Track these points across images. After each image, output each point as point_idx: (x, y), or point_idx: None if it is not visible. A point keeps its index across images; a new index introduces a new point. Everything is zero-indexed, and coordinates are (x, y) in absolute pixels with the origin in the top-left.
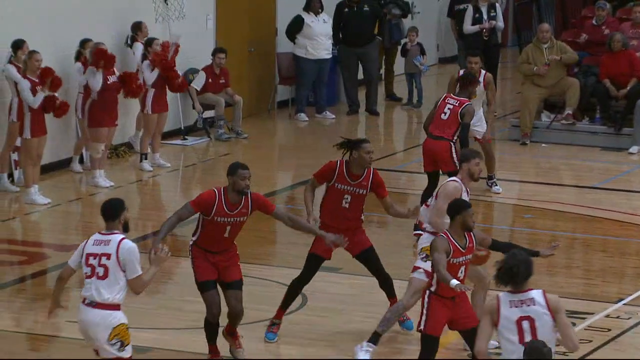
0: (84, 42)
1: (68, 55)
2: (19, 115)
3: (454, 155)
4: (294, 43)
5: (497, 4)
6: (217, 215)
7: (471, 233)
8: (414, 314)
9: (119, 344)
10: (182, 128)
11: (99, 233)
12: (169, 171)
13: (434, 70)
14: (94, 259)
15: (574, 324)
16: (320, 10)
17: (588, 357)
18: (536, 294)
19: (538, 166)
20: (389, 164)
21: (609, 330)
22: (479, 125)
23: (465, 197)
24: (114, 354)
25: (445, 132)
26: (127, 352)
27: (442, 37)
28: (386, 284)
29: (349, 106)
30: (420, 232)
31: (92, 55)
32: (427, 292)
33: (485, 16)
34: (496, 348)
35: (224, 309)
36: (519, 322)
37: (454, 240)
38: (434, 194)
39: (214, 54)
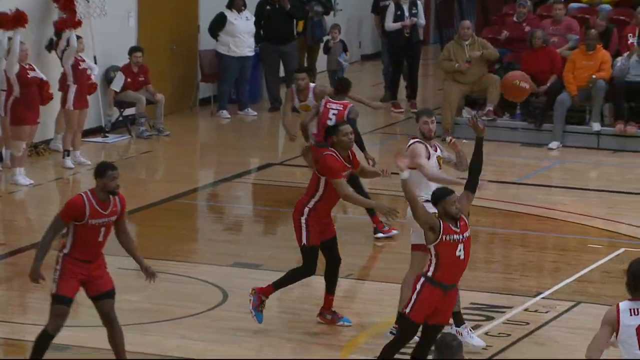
0: None
1: None
2: None
3: None
4: (217, 40)
5: (419, 2)
6: (92, 217)
7: (463, 216)
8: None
9: None
10: (104, 125)
11: None
12: (89, 169)
13: (356, 67)
14: None
15: (492, 318)
16: (243, 8)
17: (507, 350)
18: None
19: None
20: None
21: (528, 324)
22: None
23: (435, 153)
24: None
25: None
26: None
27: (364, 34)
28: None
29: (270, 103)
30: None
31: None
32: (423, 278)
33: (406, 13)
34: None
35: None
36: (639, 329)
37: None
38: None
39: (130, 52)
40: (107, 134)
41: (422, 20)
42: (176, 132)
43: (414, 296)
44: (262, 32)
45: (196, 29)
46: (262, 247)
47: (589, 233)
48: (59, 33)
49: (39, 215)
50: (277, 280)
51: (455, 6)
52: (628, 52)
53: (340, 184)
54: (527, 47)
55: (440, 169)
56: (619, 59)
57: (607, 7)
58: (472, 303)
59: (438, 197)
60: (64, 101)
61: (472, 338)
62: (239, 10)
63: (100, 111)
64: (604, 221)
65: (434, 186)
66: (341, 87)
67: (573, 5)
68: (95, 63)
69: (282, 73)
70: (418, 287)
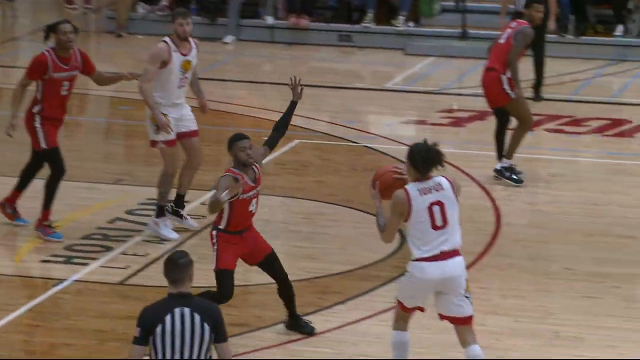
0: None
1: None
2: None
3: None
4: None
5: None
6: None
7: (256, 165)
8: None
9: None
10: None
11: None
12: None
13: None
14: None
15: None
16: None
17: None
18: (441, 179)
19: (135, 57)
20: None
21: (204, 217)
22: None
23: (178, 56)
24: None
25: None
26: None
27: None
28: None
29: None
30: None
31: None
32: (215, 231)
33: None
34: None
35: None
36: (430, 207)
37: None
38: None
39: None
40: None
41: None
42: None
43: (215, 251)
44: None
45: None
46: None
47: (264, 126)
48: None
49: None
50: (17, 185)
51: None
52: None
53: (24, 81)
54: None
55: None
56: None
57: None
58: (148, 198)
59: (230, 142)
60: None
61: (165, 228)
62: None
63: None
64: (279, 114)
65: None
66: None
67: None
68: None
69: None
70: (214, 241)
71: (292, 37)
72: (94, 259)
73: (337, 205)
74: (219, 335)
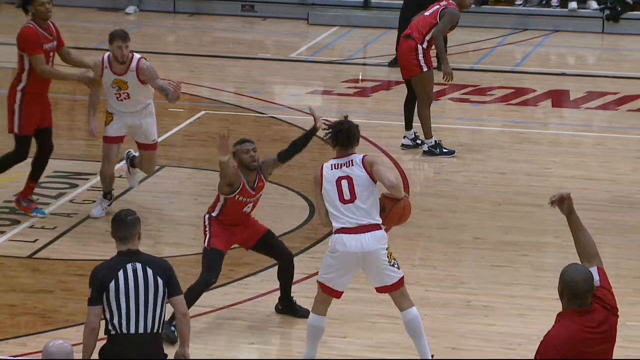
0: None
1: None
2: None
3: None
4: None
5: None
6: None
7: (260, 170)
8: None
9: None
10: None
11: None
12: None
13: None
14: None
15: (77, 186)
16: None
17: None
18: (356, 156)
19: None
20: None
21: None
22: None
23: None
24: None
25: None
26: None
27: None
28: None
29: None
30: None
31: None
32: (207, 215)
33: None
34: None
35: None
36: (338, 181)
37: (243, 178)
38: None
39: None
40: None
41: None
42: None
43: (207, 233)
44: None
45: None
46: None
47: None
48: None
49: None
50: (31, 175)
51: None
52: None
53: (38, 59)
54: None
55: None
56: None
57: None
58: (55, 171)
59: (233, 145)
60: None
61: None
62: None
63: None
64: (184, 85)
65: None
66: None
67: None
68: None
69: None
70: (206, 224)
71: (195, 7)
72: (1, 232)
73: None
74: (173, 288)
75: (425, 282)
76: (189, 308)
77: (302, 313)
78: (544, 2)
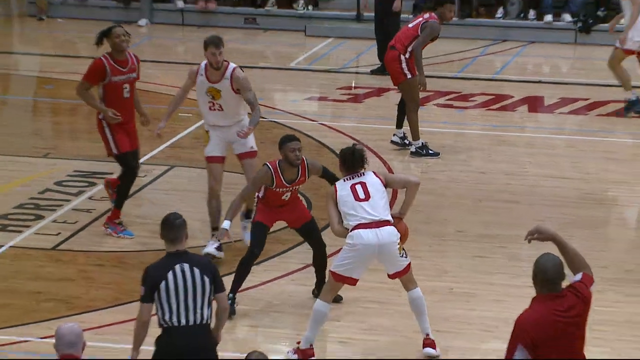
0: None
1: None
2: None
3: None
4: None
5: None
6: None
7: (305, 168)
8: None
9: None
10: None
11: None
12: None
13: None
14: None
15: (95, 184)
16: None
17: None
18: (368, 173)
19: (55, 40)
20: None
21: None
22: None
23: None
24: None
25: None
26: None
27: None
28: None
29: None
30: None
31: None
32: (257, 195)
33: None
34: None
35: None
36: (352, 187)
37: (280, 174)
38: None
39: None
40: None
41: None
42: None
43: (255, 206)
44: None
45: None
46: None
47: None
48: None
49: None
50: (115, 202)
51: None
52: None
53: (83, 84)
54: None
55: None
56: None
57: None
58: (75, 170)
59: (281, 142)
60: None
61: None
62: None
63: None
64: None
65: None
66: None
67: None
68: None
69: None
70: (255, 202)
71: (202, 20)
72: (27, 226)
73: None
74: (217, 285)
75: (413, 272)
76: (242, 281)
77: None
78: (521, 15)
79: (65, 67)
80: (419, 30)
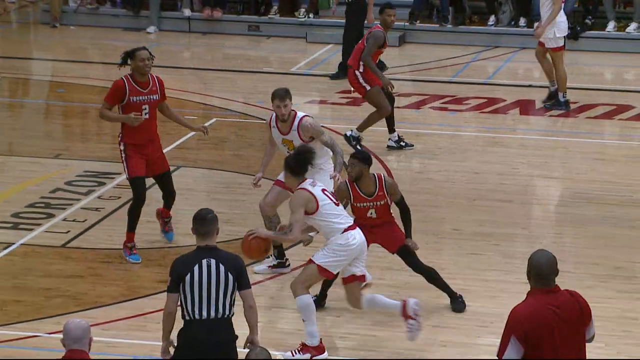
0: None
1: None
2: None
3: None
4: None
5: None
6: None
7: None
8: None
9: None
10: None
11: None
12: None
13: None
14: None
15: (104, 184)
16: None
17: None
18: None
19: (68, 46)
20: None
21: None
22: None
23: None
24: None
25: None
26: None
27: None
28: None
29: None
30: None
31: None
32: None
33: None
34: None
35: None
36: (323, 191)
37: (357, 188)
38: None
39: None
40: None
41: None
42: None
43: None
44: None
45: None
46: None
47: (185, 106)
48: None
49: None
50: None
51: None
52: None
53: (104, 104)
54: None
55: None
56: None
57: None
58: (85, 171)
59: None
60: None
61: None
62: None
63: None
64: (199, 95)
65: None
66: None
67: None
68: None
69: None
70: None
71: (207, 28)
72: (38, 224)
73: (252, 175)
74: (243, 283)
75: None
76: None
77: (321, 304)
78: (512, 22)
79: (77, 72)
80: (365, 42)
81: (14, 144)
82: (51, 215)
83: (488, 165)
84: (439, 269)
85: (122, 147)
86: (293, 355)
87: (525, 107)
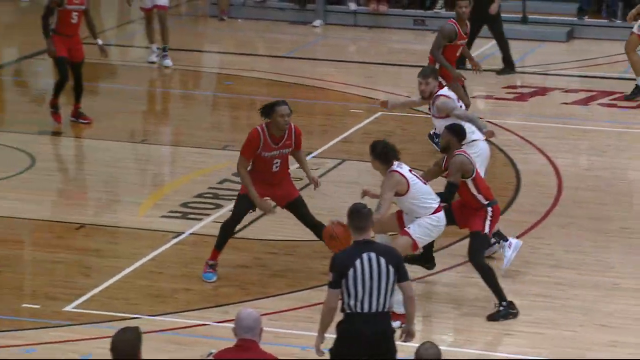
0: None
1: None
2: None
3: None
4: None
5: None
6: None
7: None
8: None
9: None
10: None
11: None
12: None
13: None
14: None
15: None
16: None
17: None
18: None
19: (236, 39)
20: None
21: (301, 179)
22: None
23: None
24: None
25: None
26: None
27: None
28: (318, 230)
29: None
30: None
31: None
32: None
33: None
34: None
35: None
36: (410, 171)
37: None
38: None
39: None
40: None
41: None
42: None
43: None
44: None
45: None
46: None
47: (350, 100)
48: None
49: None
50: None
51: None
52: None
53: (241, 159)
54: None
55: None
56: None
57: None
58: None
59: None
60: None
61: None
62: None
63: None
64: (363, 89)
65: None
66: None
67: None
68: None
69: None
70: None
71: (373, 22)
72: (207, 214)
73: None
74: (402, 274)
75: (577, 266)
76: None
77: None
78: None
79: (244, 64)
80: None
81: (184, 135)
82: (219, 206)
83: None
84: (607, 267)
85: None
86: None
87: None
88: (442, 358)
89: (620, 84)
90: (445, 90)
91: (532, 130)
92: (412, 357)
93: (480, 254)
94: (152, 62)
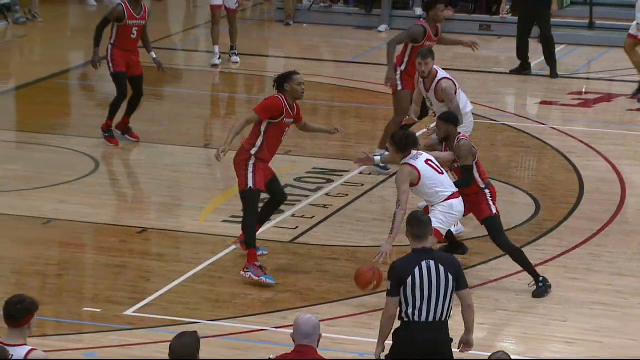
0: None
1: None
2: None
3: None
4: None
5: None
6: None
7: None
8: None
9: None
10: None
11: None
12: None
13: None
14: None
15: (332, 181)
16: None
17: (346, 208)
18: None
19: (301, 44)
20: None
21: (362, 185)
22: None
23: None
24: None
25: None
26: None
27: None
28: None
29: None
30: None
31: None
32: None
33: None
34: None
35: None
36: (427, 162)
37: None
38: None
39: None
40: None
41: None
42: (49, 18)
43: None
44: None
45: None
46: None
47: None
48: None
49: None
50: (246, 240)
51: None
52: None
53: (252, 115)
54: None
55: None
56: None
57: None
58: (314, 168)
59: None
60: None
61: None
62: None
63: None
64: None
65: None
66: None
67: None
68: None
69: None
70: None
71: None
72: (268, 220)
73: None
74: (461, 283)
75: (639, 275)
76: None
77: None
78: None
79: (309, 69)
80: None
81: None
82: (280, 211)
83: None
84: None
85: (251, 160)
86: None
87: None
88: None
89: None
90: (444, 74)
91: (596, 137)
92: None
93: (502, 236)
94: (215, 65)
